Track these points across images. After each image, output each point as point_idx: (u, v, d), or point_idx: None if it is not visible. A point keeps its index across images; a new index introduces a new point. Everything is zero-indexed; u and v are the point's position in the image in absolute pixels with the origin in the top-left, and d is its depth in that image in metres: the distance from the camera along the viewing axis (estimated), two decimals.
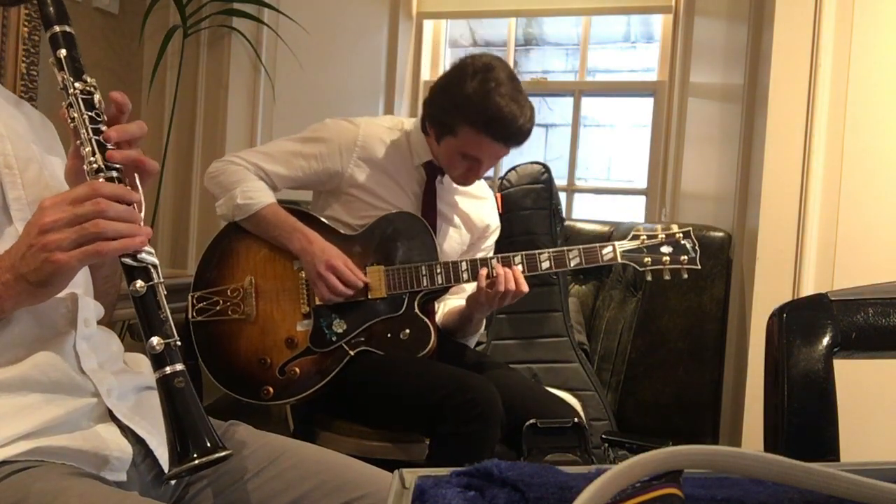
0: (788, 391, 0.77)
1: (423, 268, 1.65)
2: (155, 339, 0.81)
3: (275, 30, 2.68)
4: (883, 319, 0.79)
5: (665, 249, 1.61)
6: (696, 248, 1.61)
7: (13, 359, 0.85)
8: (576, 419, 1.53)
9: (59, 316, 0.90)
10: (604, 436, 1.92)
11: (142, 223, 0.84)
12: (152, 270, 0.84)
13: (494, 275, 1.58)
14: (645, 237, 1.62)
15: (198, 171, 2.71)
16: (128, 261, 0.83)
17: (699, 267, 1.61)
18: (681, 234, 1.62)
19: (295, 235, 1.67)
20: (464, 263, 1.64)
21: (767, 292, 1.82)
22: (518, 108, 1.60)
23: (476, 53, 1.70)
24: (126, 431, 0.90)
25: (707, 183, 2.48)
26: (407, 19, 3.12)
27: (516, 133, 1.63)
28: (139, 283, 0.83)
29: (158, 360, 0.81)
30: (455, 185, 1.79)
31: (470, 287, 1.75)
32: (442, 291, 1.73)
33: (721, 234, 2.05)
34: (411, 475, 0.44)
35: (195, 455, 0.78)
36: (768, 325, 0.82)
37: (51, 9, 0.90)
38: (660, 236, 1.62)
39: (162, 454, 0.90)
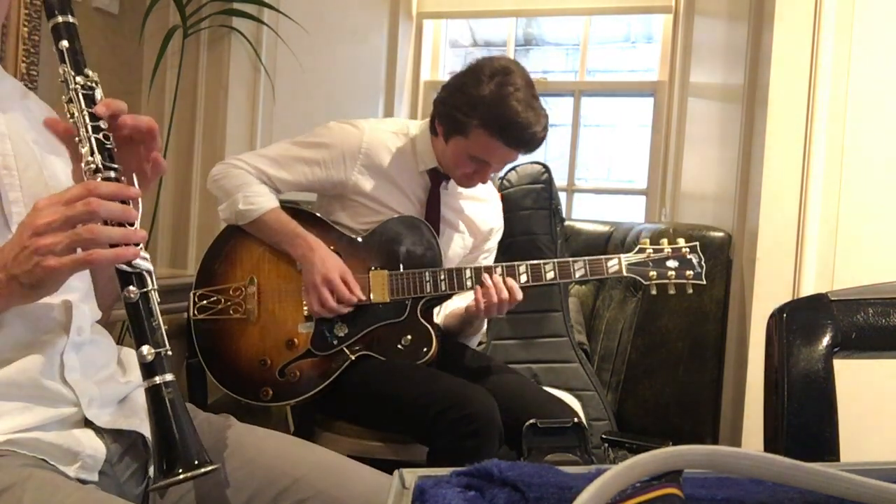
0: (788, 391, 0.77)
1: (427, 274, 1.63)
2: (145, 348, 0.79)
3: (275, 30, 2.67)
4: (883, 319, 0.79)
5: (671, 264, 1.59)
6: (703, 262, 1.58)
7: (2, 361, 0.85)
8: (576, 419, 1.53)
9: (53, 323, 0.90)
10: (604, 436, 1.92)
11: (138, 223, 0.83)
12: (146, 277, 0.82)
13: (487, 285, 1.58)
14: (651, 251, 1.59)
15: (198, 171, 2.71)
16: (122, 266, 0.81)
17: (704, 283, 1.59)
18: (687, 249, 1.59)
19: (297, 241, 1.66)
20: (468, 270, 1.63)
21: (767, 292, 1.81)
22: (534, 115, 1.57)
23: (494, 56, 1.69)
24: (102, 433, 0.90)
25: (707, 183, 2.48)
26: (407, 19, 3.12)
27: (530, 140, 1.60)
28: (132, 290, 0.81)
29: (148, 370, 0.80)
30: (459, 189, 1.78)
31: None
32: (445, 298, 1.72)
33: (721, 234, 2.05)
34: (411, 475, 0.44)
35: (180, 470, 0.77)
36: (768, 325, 0.82)
37: None
38: (666, 251, 1.60)
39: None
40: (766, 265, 1.83)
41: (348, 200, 1.73)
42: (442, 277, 1.63)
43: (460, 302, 1.80)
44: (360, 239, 1.71)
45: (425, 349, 1.62)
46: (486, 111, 1.57)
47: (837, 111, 1.78)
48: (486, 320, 1.78)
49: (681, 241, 1.61)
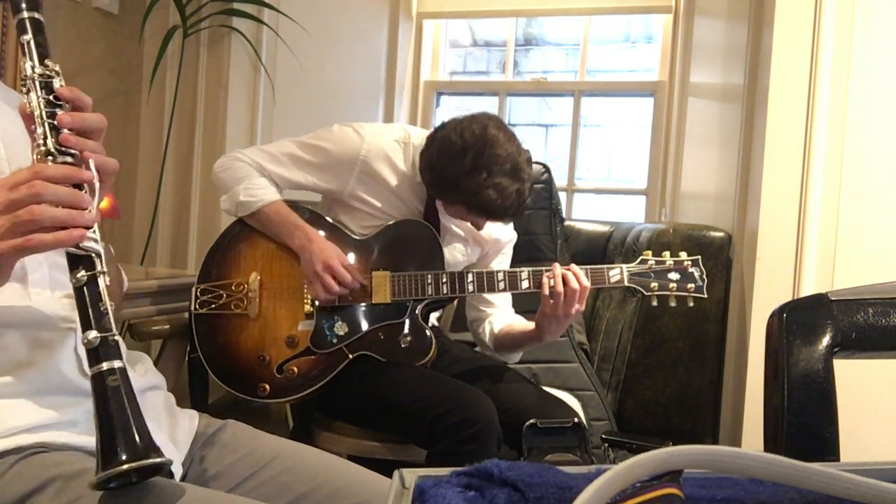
0: (788, 391, 0.77)
1: (429, 276, 1.64)
2: (91, 333, 0.75)
3: (275, 30, 2.67)
4: (883, 319, 0.79)
5: (673, 276, 1.59)
6: (704, 276, 1.59)
7: (15, 360, 0.85)
8: (576, 419, 1.53)
9: (59, 319, 0.90)
10: (604, 436, 1.92)
11: (93, 208, 0.78)
12: (95, 260, 0.78)
13: (552, 283, 1.53)
14: (653, 262, 1.59)
15: (198, 172, 2.71)
16: (70, 248, 0.77)
17: (705, 296, 1.59)
18: (689, 262, 1.59)
19: (296, 233, 1.67)
20: (470, 275, 1.63)
21: (767, 292, 1.81)
22: (508, 195, 1.56)
23: (467, 117, 1.62)
24: None
25: (707, 183, 2.48)
26: (407, 19, 3.12)
27: (510, 216, 1.63)
28: (80, 273, 0.77)
29: (94, 355, 0.76)
30: None
31: (498, 301, 1.75)
32: (446, 301, 1.72)
33: (721, 234, 2.05)
34: (411, 475, 0.44)
35: (124, 458, 0.71)
36: (768, 325, 0.83)
37: None
38: (668, 263, 1.59)
39: (169, 451, 0.90)
40: (766, 265, 1.83)
41: (348, 205, 1.73)
42: (444, 280, 1.63)
43: (514, 316, 1.77)
44: (363, 240, 1.71)
45: (425, 351, 1.62)
46: (466, 199, 1.58)
47: (837, 111, 1.78)
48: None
49: (683, 255, 1.61)
